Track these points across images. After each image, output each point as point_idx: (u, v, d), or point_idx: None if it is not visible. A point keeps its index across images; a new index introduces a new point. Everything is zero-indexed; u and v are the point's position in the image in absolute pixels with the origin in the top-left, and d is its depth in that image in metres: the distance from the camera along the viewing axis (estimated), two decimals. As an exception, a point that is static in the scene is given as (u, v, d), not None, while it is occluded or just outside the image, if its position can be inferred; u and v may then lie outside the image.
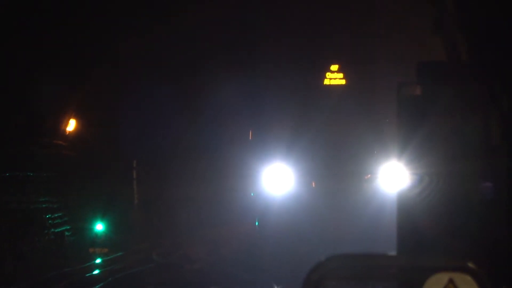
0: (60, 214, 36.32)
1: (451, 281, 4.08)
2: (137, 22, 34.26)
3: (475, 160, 4.53)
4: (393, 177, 39.89)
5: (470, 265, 4.00)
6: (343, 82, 46.67)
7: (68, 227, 36.56)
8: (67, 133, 38.15)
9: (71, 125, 38.26)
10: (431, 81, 4.80)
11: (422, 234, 4.46)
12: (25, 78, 32.42)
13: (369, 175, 44.48)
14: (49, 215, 35.72)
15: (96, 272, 32.81)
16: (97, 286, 29.12)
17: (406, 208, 4.55)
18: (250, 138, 45.46)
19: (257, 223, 42.07)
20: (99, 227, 37.14)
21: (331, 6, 37.59)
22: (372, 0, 35.75)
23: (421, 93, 4.74)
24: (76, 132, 38.36)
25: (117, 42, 35.01)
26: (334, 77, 46.61)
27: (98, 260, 34.86)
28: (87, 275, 31.81)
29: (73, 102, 37.68)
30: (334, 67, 46.50)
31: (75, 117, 38.24)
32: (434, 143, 4.62)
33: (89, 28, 33.59)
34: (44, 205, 35.46)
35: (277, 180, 42.96)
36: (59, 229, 36.06)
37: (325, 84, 46.76)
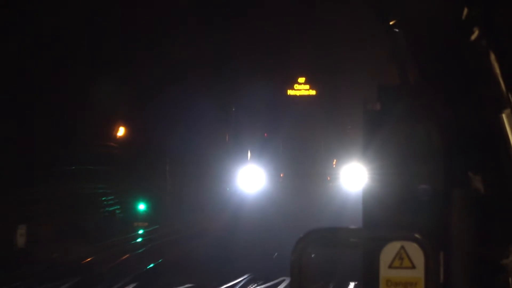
0: (112, 197, 36.32)
1: (402, 247, 4.02)
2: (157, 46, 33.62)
3: (420, 162, 4.51)
4: (354, 175, 37.07)
5: (417, 235, 3.95)
6: (309, 92, 43.47)
7: (118, 207, 36.54)
8: (118, 137, 38.18)
9: (121, 131, 38.29)
10: (388, 99, 4.75)
11: (381, 216, 4.44)
12: (86, 93, 32.44)
13: (329, 177, 41.27)
14: (104, 198, 35.72)
15: (139, 240, 32.77)
16: (140, 250, 29.07)
17: (368, 199, 4.52)
18: (226, 141, 42.35)
19: (232, 215, 39.23)
20: (141, 206, 37.10)
21: (300, 26, 35.61)
22: (339, 26, 33.90)
23: (380, 108, 4.70)
24: (125, 137, 38.38)
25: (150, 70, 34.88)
26: (301, 88, 43.45)
27: (140, 231, 34.82)
28: (132, 242, 31.77)
29: (123, 114, 37.68)
30: (301, 79, 43.34)
31: (124, 125, 38.26)
32: (389, 148, 4.58)
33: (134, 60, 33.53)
34: (100, 191, 35.46)
35: (250, 178, 40.26)
36: (111, 208, 36.06)
37: (293, 94, 43.54)
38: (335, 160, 41.69)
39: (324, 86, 42.42)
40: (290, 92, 43.29)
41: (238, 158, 40.43)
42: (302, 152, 41.83)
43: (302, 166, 41.26)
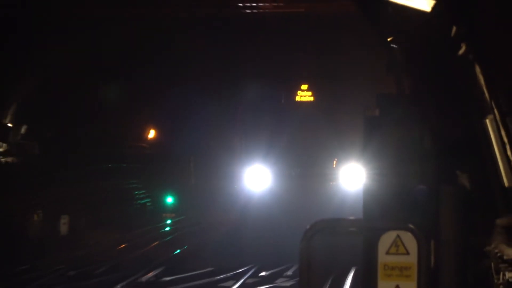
0: (143, 191, 36.38)
1: (398, 236, 4.02)
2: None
3: (415, 162, 4.51)
4: (352, 174, 35.88)
5: (411, 226, 3.95)
6: (311, 99, 42.57)
7: (148, 200, 36.60)
8: (149, 139, 38.24)
9: (151, 133, 38.35)
10: (385, 105, 4.76)
11: (379, 210, 4.45)
12: (120, 100, 32.52)
13: (330, 177, 40.09)
14: (136, 192, 35.79)
15: (167, 229, 32.84)
16: (167, 238, 29.13)
17: (368, 196, 4.53)
18: (235, 144, 41.18)
19: (240, 212, 36.76)
20: (169, 199, 37.15)
21: (304, 36, 34.60)
22: (341, 38, 32.88)
23: (378, 114, 4.71)
24: (155, 138, 38.44)
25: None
26: (304, 95, 42.54)
27: (168, 221, 34.88)
28: (161, 231, 31.85)
29: (153, 118, 37.74)
30: (304, 86, 42.38)
31: (154, 128, 38.32)
32: (386, 149, 4.58)
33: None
34: (133, 185, 35.53)
35: (256, 178, 39.37)
36: (142, 201, 36.12)
37: (297, 100, 42.57)
38: (335, 161, 40.98)
39: (326, 92, 41.61)
40: (294, 98, 42.48)
41: (246, 159, 39.73)
42: (305, 153, 41.02)
43: (305, 166, 40.43)
